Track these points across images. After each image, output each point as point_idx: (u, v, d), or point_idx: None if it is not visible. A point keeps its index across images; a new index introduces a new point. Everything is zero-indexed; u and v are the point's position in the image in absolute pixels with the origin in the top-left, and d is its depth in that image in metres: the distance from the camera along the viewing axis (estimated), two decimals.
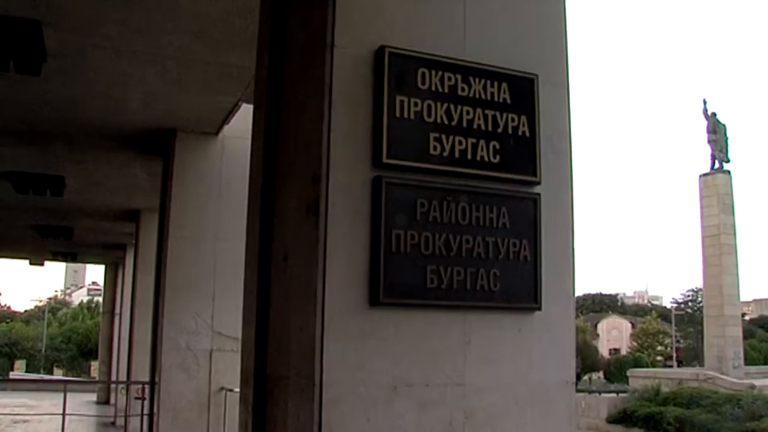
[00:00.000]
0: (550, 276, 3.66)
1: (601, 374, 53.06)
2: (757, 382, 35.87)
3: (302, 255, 3.50)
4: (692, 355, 49.37)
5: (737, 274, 41.13)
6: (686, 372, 41.50)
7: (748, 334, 50.04)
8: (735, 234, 41.49)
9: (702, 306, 46.07)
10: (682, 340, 61.75)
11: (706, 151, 43.31)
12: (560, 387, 3.74)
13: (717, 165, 42.78)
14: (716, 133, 43.22)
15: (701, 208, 42.44)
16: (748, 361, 43.74)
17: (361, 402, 3.28)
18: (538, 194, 3.68)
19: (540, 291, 3.63)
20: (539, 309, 3.63)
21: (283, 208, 3.91)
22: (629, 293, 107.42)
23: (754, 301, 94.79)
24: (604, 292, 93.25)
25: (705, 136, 43.68)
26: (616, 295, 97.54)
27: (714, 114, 43.84)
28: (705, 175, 42.81)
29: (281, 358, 3.72)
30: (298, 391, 3.40)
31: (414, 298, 3.39)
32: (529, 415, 3.60)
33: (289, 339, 3.59)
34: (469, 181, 3.54)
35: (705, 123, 44.02)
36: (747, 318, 65.02)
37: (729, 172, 42.53)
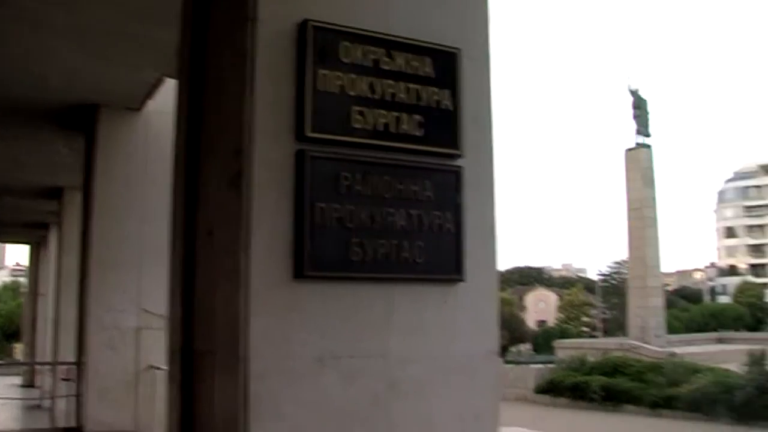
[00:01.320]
0: (473, 247, 3.71)
1: (528, 346, 53.85)
2: (678, 350, 37.00)
3: (226, 229, 3.49)
4: (617, 326, 50.42)
5: (658, 246, 42.12)
6: (611, 342, 42.47)
7: (670, 304, 51.27)
8: (655, 207, 42.42)
9: (626, 278, 46.99)
10: (607, 311, 62.95)
11: (632, 126, 44.05)
12: (484, 357, 3.79)
13: (640, 140, 43.59)
14: (640, 108, 44.00)
15: (626, 181, 43.27)
16: (670, 330, 44.87)
17: (287, 375, 3.30)
18: (461, 167, 3.72)
19: (463, 262, 3.68)
20: (463, 280, 3.68)
21: (207, 182, 3.89)
22: (557, 266, 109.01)
23: (677, 272, 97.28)
24: (532, 266, 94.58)
25: (631, 111, 44.41)
26: (544, 268, 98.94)
27: (636, 90, 44.63)
28: (630, 149, 43.60)
29: (207, 334, 3.71)
30: (224, 367, 3.41)
31: (338, 270, 3.41)
32: (454, 385, 3.66)
33: (214, 314, 3.59)
34: (392, 154, 3.56)
35: (631, 99, 44.74)
36: (669, 289, 66.60)
37: (650, 146, 43.41)
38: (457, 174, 3.70)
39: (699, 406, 28.06)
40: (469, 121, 3.79)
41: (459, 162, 3.73)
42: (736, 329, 54.24)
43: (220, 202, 3.62)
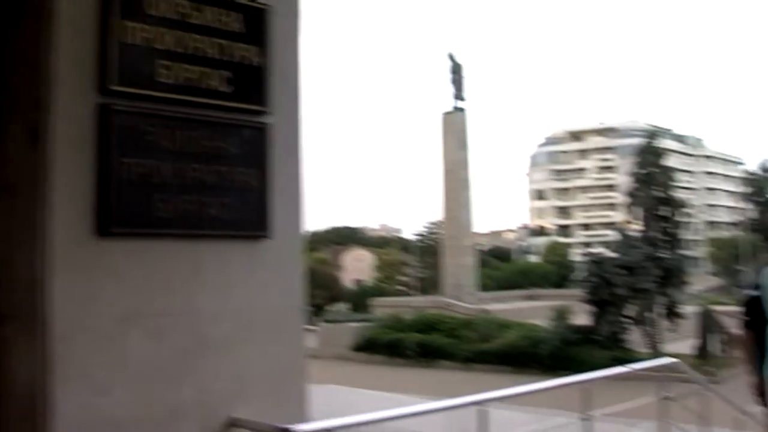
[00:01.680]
0: (279, 205, 3.75)
1: (346, 305, 54.48)
2: (490, 307, 38.53)
3: (26, 186, 3.37)
4: (432, 284, 51.71)
5: (471, 207, 43.56)
6: (426, 300, 43.56)
7: (483, 263, 53.08)
8: (469, 169, 43.79)
9: (441, 237, 48.31)
10: (422, 270, 64.44)
11: (449, 90, 45.01)
12: (290, 312, 3.86)
13: (456, 104, 44.70)
14: (456, 73, 45.02)
15: (442, 144, 44.35)
16: (483, 288, 46.52)
17: (92, 335, 3.24)
18: (269, 124, 3.74)
19: (270, 220, 3.71)
20: (269, 237, 3.71)
21: (7, 137, 3.73)
22: (374, 226, 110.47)
23: (490, 232, 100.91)
24: (349, 225, 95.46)
25: (449, 76, 45.31)
26: (361, 228, 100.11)
27: (453, 55, 45.60)
28: (446, 113, 44.64)
29: (10, 297, 3.56)
30: (28, 329, 3.29)
31: (144, 227, 3.37)
32: (261, 341, 3.70)
33: (15, 276, 3.46)
34: (199, 109, 3.53)
35: (449, 63, 45.63)
36: (482, 248, 68.94)
37: (464, 109, 44.62)
38: (264, 131, 3.71)
39: (509, 359, 29.42)
40: (278, 78, 3.80)
41: (266, 119, 3.74)
42: (544, 286, 56.89)
43: (20, 158, 3.47)
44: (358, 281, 68.80)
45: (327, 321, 41.13)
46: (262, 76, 3.73)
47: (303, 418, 3.72)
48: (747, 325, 5.62)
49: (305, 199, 3.92)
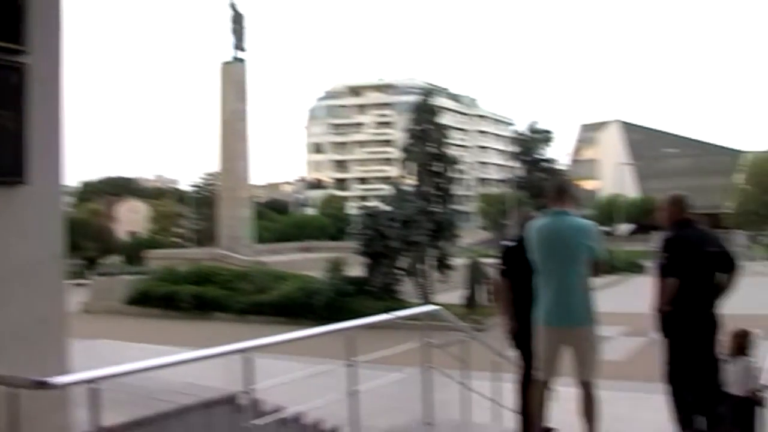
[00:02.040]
0: (38, 150, 3.58)
1: (120, 257, 52.93)
2: (266, 259, 38.68)
3: None
4: (208, 236, 51.14)
5: (248, 159, 43.39)
6: (202, 252, 43.15)
7: (260, 216, 53.07)
8: (247, 120, 43.52)
9: (218, 189, 47.82)
10: (199, 222, 63.63)
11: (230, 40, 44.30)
12: (48, 261, 3.72)
13: (236, 54, 44.14)
14: (237, 23, 44.37)
15: (220, 95, 43.76)
16: (260, 240, 46.59)
17: None
18: (26, 64, 3.54)
19: (27, 165, 3.54)
20: (26, 183, 3.55)
21: None
22: (149, 177, 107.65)
23: (268, 185, 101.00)
24: (124, 176, 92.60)
25: (230, 26, 44.56)
26: (136, 178, 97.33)
27: (234, 4, 44.86)
28: (225, 63, 44.02)
29: None
30: None
31: None
32: (16, 290, 3.55)
33: None
34: None
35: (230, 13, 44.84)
36: (260, 201, 68.85)
37: (243, 60, 44.18)
38: (21, 71, 3.51)
39: (284, 310, 29.60)
40: (37, 16, 3.60)
41: (24, 58, 3.54)
42: (320, 239, 57.57)
43: None
44: (133, 233, 66.95)
45: (100, 274, 39.88)
46: (19, 13, 3.51)
47: (63, 372, 3.61)
48: (503, 273, 5.96)
49: (68, 144, 3.77)
